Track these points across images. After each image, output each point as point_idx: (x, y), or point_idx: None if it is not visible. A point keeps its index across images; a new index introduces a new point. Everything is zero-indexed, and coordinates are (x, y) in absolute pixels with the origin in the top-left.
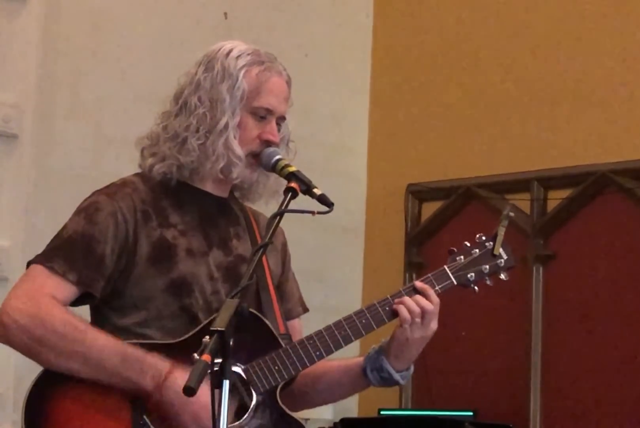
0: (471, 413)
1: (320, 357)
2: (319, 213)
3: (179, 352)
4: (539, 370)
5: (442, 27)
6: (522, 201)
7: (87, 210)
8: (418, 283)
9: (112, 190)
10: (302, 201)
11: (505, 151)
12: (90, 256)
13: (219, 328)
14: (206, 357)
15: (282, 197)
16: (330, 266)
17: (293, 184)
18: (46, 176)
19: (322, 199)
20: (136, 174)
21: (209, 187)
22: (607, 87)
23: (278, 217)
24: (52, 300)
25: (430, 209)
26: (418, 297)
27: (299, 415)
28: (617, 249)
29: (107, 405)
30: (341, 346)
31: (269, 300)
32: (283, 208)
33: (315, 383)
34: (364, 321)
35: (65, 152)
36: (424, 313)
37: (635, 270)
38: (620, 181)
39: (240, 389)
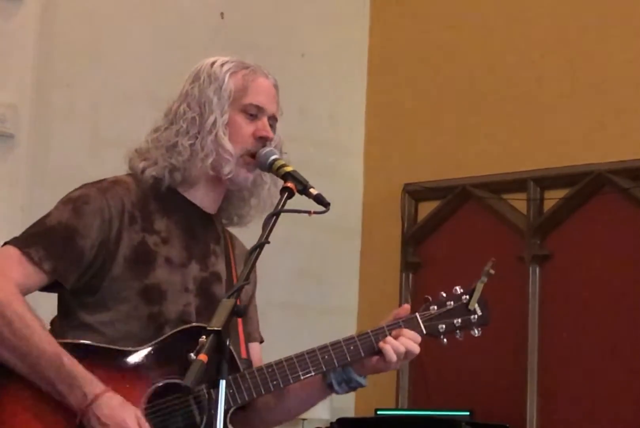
0: (468, 413)
1: (277, 387)
2: (315, 213)
3: (131, 361)
4: (536, 369)
5: (438, 27)
6: (518, 201)
7: (76, 202)
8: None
9: (104, 186)
10: (299, 201)
11: (501, 150)
12: (70, 248)
13: (215, 328)
14: (203, 357)
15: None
16: (327, 266)
17: (289, 184)
18: (42, 176)
19: (319, 199)
20: (129, 175)
21: (198, 199)
22: (603, 87)
23: (274, 217)
24: (14, 289)
25: (426, 209)
26: (405, 339)
27: None
28: (613, 249)
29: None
30: (299, 379)
31: (235, 323)
32: (279, 207)
33: (282, 400)
34: (326, 356)
35: (61, 152)
36: (407, 354)
37: (632, 269)
38: (616, 181)
39: (192, 407)
